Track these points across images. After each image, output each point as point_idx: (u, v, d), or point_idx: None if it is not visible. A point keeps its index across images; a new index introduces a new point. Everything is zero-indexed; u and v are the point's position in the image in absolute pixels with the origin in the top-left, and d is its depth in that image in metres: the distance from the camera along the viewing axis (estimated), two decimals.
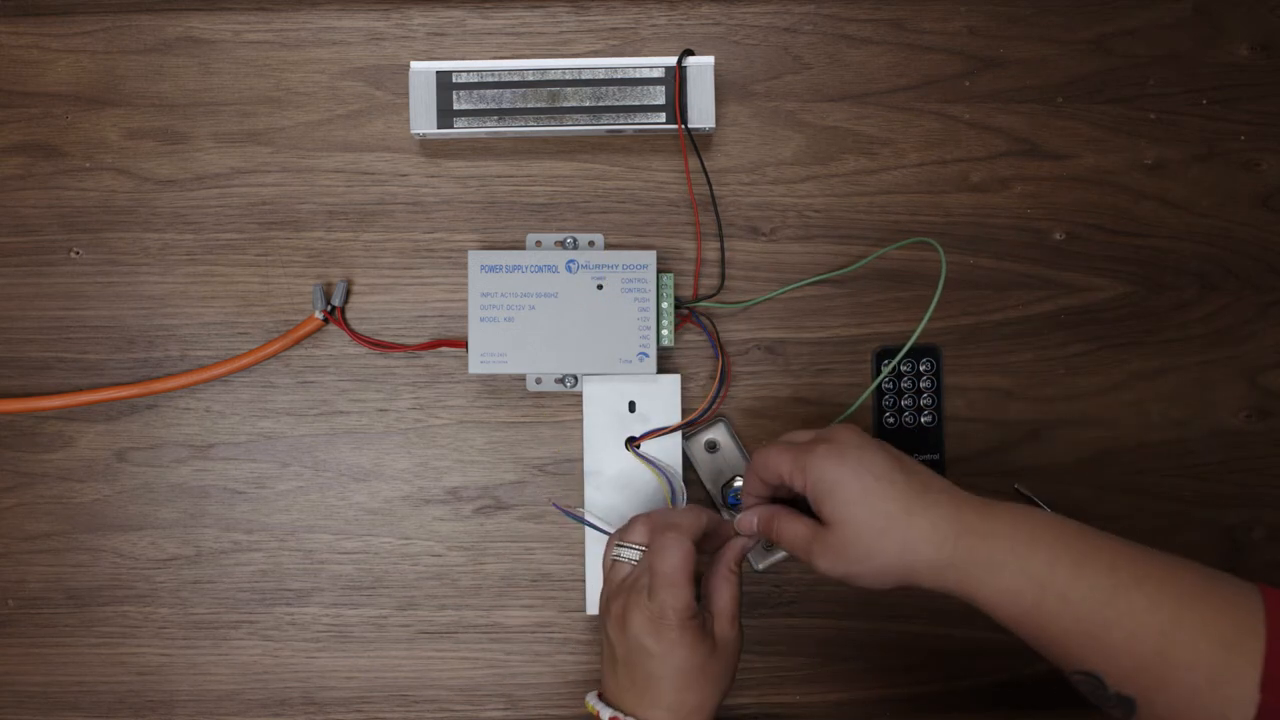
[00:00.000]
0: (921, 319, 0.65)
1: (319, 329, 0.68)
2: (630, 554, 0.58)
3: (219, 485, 0.68)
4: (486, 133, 0.68)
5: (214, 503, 0.68)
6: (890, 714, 0.68)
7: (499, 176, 0.69)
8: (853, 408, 0.65)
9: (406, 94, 0.69)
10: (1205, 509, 0.68)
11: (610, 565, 0.58)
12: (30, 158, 0.69)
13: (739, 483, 0.66)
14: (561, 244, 0.67)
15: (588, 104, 0.67)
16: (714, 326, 0.68)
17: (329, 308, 0.68)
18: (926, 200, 0.69)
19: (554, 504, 0.68)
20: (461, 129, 0.67)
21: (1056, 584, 0.48)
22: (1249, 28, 0.70)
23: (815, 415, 0.68)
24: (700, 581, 0.58)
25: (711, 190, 0.69)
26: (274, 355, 0.68)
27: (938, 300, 0.64)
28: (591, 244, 0.68)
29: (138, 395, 0.68)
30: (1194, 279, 0.69)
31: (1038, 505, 0.68)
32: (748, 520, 0.58)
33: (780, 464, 0.55)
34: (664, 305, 0.66)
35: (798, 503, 0.57)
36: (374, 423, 0.68)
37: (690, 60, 0.67)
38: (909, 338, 0.68)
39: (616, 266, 0.65)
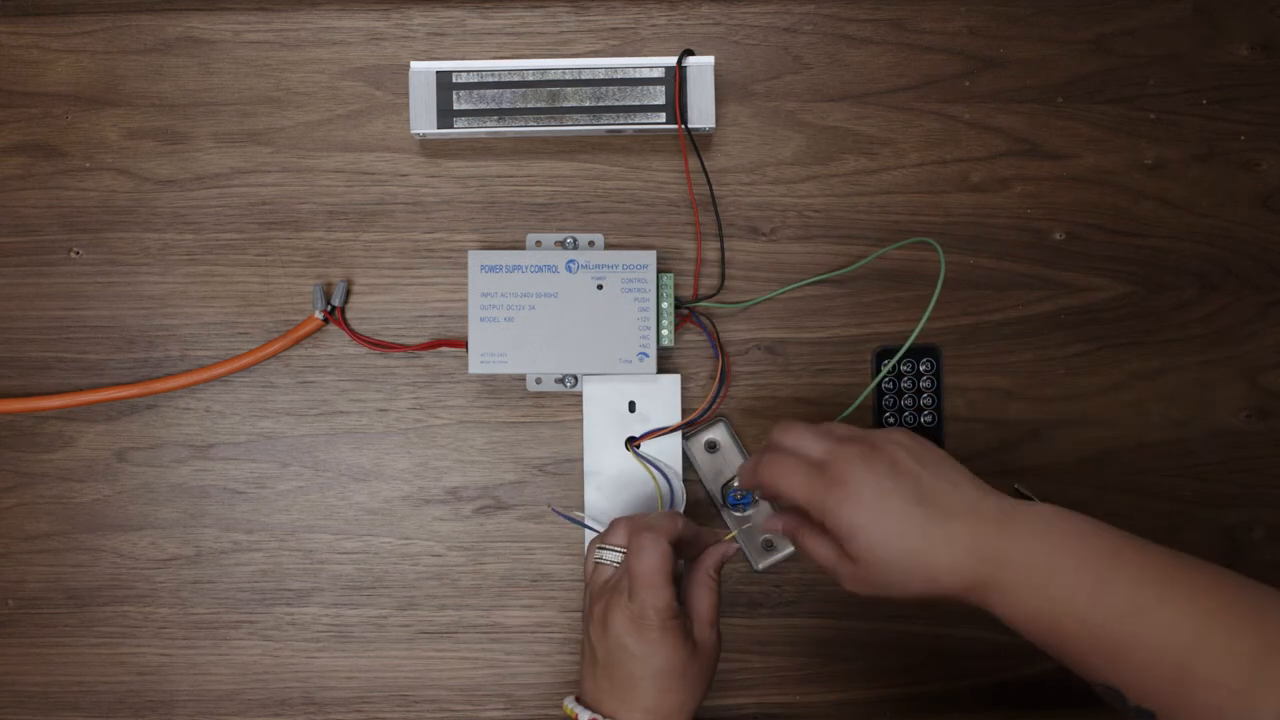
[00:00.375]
0: (921, 318, 0.65)
1: (319, 329, 0.68)
2: (612, 556, 0.58)
3: (219, 485, 0.68)
4: (486, 133, 0.68)
5: (214, 503, 0.68)
6: (890, 714, 0.68)
7: (499, 176, 0.69)
8: (851, 408, 0.65)
9: (406, 94, 0.69)
10: (1205, 509, 0.68)
11: (593, 568, 0.59)
12: (30, 158, 0.69)
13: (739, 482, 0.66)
14: (561, 244, 0.67)
15: (588, 104, 0.67)
16: (714, 326, 0.68)
17: (329, 308, 0.68)
18: (926, 200, 0.69)
19: (552, 509, 0.68)
20: (461, 129, 0.67)
21: (1076, 608, 0.48)
22: (1249, 28, 0.70)
23: (815, 415, 0.68)
24: (680, 586, 0.58)
25: (711, 190, 0.69)
26: (274, 355, 0.68)
27: (936, 300, 0.64)
28: (591, 244, 0.68)
29: (138, 395, 0.68)
30: (1194, 279, 0.69)
31: None
32: (773, 523, 0.58)
33: (794, 490, 0.53)
34: (664, 305, 0.67)
35: None
36: (374, 423, 0.68)
37: (690, 60, 0.67)
38: (909, 337, 0.68)
39: (616, 266, 0.65)
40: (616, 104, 0.67)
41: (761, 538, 0.67)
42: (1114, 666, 0.48)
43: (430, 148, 0.69)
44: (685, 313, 0.68)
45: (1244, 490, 0.68)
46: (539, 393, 0.68)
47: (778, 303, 0.69)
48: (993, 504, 0.51)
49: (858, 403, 0.66)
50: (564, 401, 0.68)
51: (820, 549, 0.54)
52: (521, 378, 0.68)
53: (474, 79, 0.67)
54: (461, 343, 0.68)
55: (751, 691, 0.68)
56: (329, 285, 0.69)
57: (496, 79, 0.67)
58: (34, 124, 0.70)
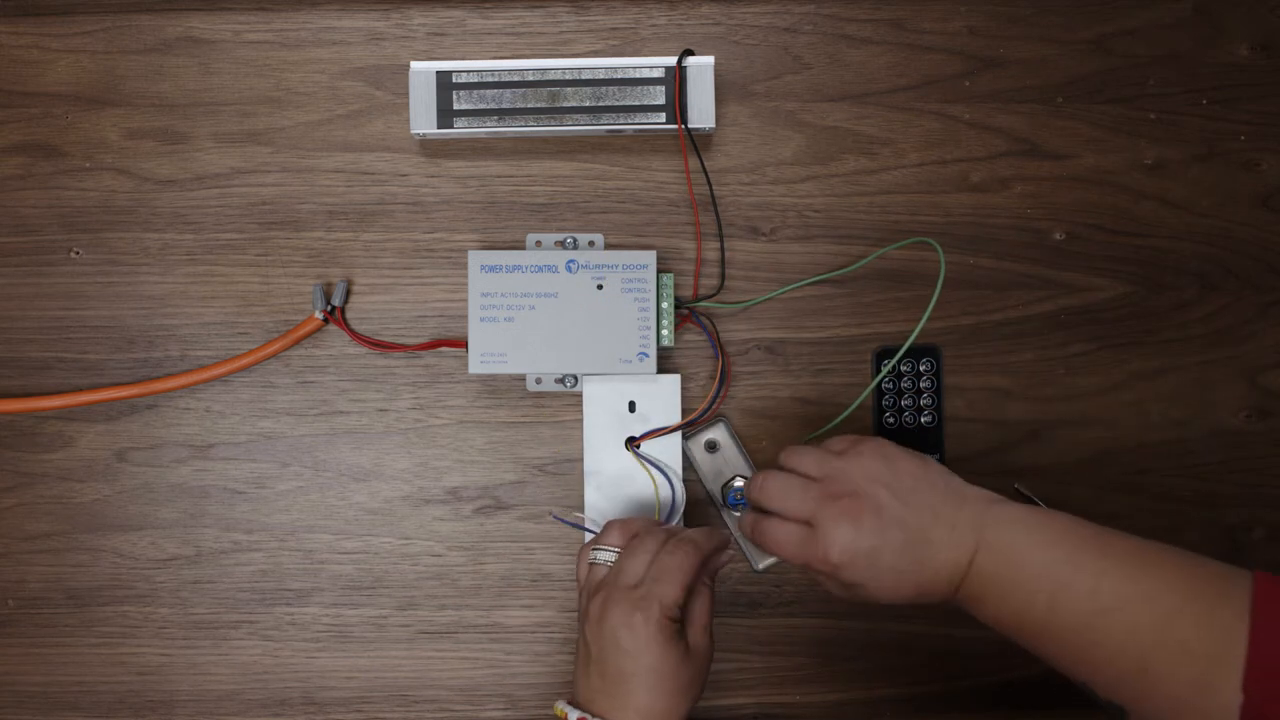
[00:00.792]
0: (921, 319, 0.65)
1: (319, 329, 0.68)
2: (607, 556, 0.58)
3: (219, 485, 0.68)
4: (486, 133, 0.68)
5: (214, 503, 0.68)
6: (890, 714, 0.68)
7: (499, 176, 0.69)
8: (851, 408, 0.65)
9: (406, 94, 0.69)
10: (1205, 509, 0.68)
11: (587, 569, 0.59)
12: (30, 158, 0.69)
13: (739, 482, 0.66)
14: (561, 244, 0.67)
15: (588, 104, 0.67)
16: (714, 326, 0.68)
17: (329, 308, 0.68)
18: (926, 200, 0.69)
19: (553, 515, 0.68)
20: (461, 129, 0.67)
21: (1035, 615, 0.52)
22: (1249, 28, 0.70)
23: (815, 415, 0.68)
24: None
25: (711, 190, 0.69)
26: (274, 355, 0.68)
27: (936, 299, 0.64)
28: (591, 244, 0.68)
29: (138, 395, 0.68)
30: (1194, 279, 0.69)
31: (1038, 505, 0.68)
32: (742, 522, 0.60)
33: (785, 553, 0.56)
34: (664, 305, 0.67)
35: None
36: (374, 423, 0.68)
37: (690, 60, 0.67)
38: (908, 338, 0.68)
39: (616, 266, 0.65)
40: (616, 104, 0.67)
41: None
42: (1079, 665, 0.51)
43: (430, 148, 0.69)
44: (685, 313, 0.68)
45: (1244, 490, 0.68)
46: (539, 393, 0.68)
47: (778, 303, 0.69)
48: (967, 518, 0.54)
49: (856, 403, 0.66)
50: (564, 401, 0.68)
51: (787, 544, 0.56)
52: (521, 378, 0.68)
53: (474, 79, 0.67)
54: (461, 343, 0.68)
55: (751, 691, 0.68)
56: (329, 285, 0.69)
57: (496, 79, 0.67)
58: (34, 124, 0.70)
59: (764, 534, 0.57)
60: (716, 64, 0.67)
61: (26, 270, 0.69)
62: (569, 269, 0.66)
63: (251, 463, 0.68)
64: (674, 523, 0.65)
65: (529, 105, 0.67)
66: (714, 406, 0.68)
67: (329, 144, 0.69)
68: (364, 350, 0.69)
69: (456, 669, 0.68)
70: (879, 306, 0.69)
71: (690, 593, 0.57)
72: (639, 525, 0.59)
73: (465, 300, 0.67)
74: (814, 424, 0.68)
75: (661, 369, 0.68)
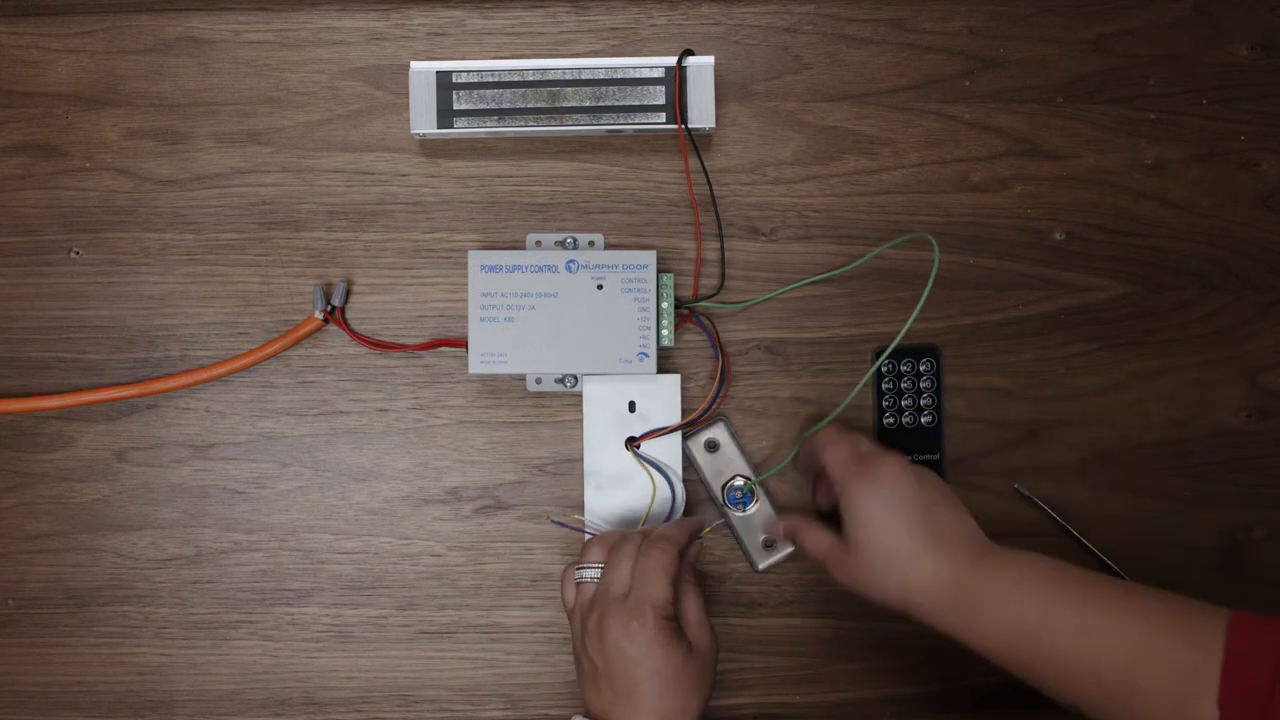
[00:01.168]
0: (912, 314, 0.65)
1: (319, 329, 0.68)
2: (592, 573, 0.59)
3: (219, 485, 0.68)
4: (486, 133, 0.68)
5: (214, 503, 0.68)
6: (890, 714, 0.68)
7: (499, 176, 0.69)
8: (842, 406, 0.64)
9: (406, 94, 0.69)
10: (1205, 509, 0.68)
11: (575, 591, 0.60)
12: (30, 158, 0.69)
13: (739, 481, 0.66)
14: (561, 244, 0.67)
15: (588, 104, 0.67)
16: (714, 326, 0.68)
17: (329, 308, 0.68)
18: (926, 200, 0.69)
19: (552, 519, 0.68)
20: (461, 129, 0.67)
21: (1027, 629, 0.53)
22: (1249, 28, 0.70)
23: (815, 415, 0.68)
24: None
25: (711, 190, 0.69)
26: (274, 355, 0.68)
27: (928, 295, 0.63)
28: (591, 244, 0.68)
29: (138, 395, 0.68)
30: (1194, 279, 0.69)
31: (1038, 505, 0.68)
32: (775, 529, 0.65)
33: (834, 460, 0.60)
34: (664, 305, 0.67)
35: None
36: (374, 423, 0.68)
37: (690, 60, 0.67)
38: (908, 338, 0.68)
39: (616, 266, 0.65)
40: (616, 104, 0.67)
41: (762, 538, 0.67)
42: (1066, 684, 0.52)
43: (430, 148, 0.69)
44: (685, 313, 0.68)
45: (1244, 490, 0.68)
46: (539, 393, 0.68)
47: (778, 303, 0.69)
48: (976, 545, 0.56)
49: (847, 401, 0.65)
50: (564, 401, 0.68)
51: (816, 538, 0.60)
52: (521, 378, 0.68)
53: (474, 79, 0.67)
54: (461, 343, 0.68)
55: (751, 691, 0.68)
56: (329, 285, 0.69)
57: (496, 79, 0.67)
58: (34, 124, 0.70)
59: (824, 436, 0.61)
60: (716, 64, 0.67)
61: (26, 270, 0.69)
62: (569, 269, 0.66)
63: (251, 463, 0.68)
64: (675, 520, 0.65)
65: (529, 105, 0.67)
66: (714, 406, 0.68)
67: (329, 144, 0.69)
68: (364, 350, 0.69)
69: (456, 669, 0.68)
70: (879, 306, 0.69)
71: (678, 592, 0.58)
72: (615, 537, 0.60)
73: (465, 300, 0.67)
74: (814, 424, 0.67)
75: (661, 369, 0.68)
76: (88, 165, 0.69)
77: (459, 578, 0.68)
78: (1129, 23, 0.70)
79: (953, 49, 0.70)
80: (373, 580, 0.68)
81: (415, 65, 0.68)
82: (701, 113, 0.67)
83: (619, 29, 0.70)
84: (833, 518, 0.61)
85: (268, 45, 0.70)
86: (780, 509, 0.67)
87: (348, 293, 0.69)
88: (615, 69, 0.67)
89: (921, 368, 0.68)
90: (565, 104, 0.67)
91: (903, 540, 0.56)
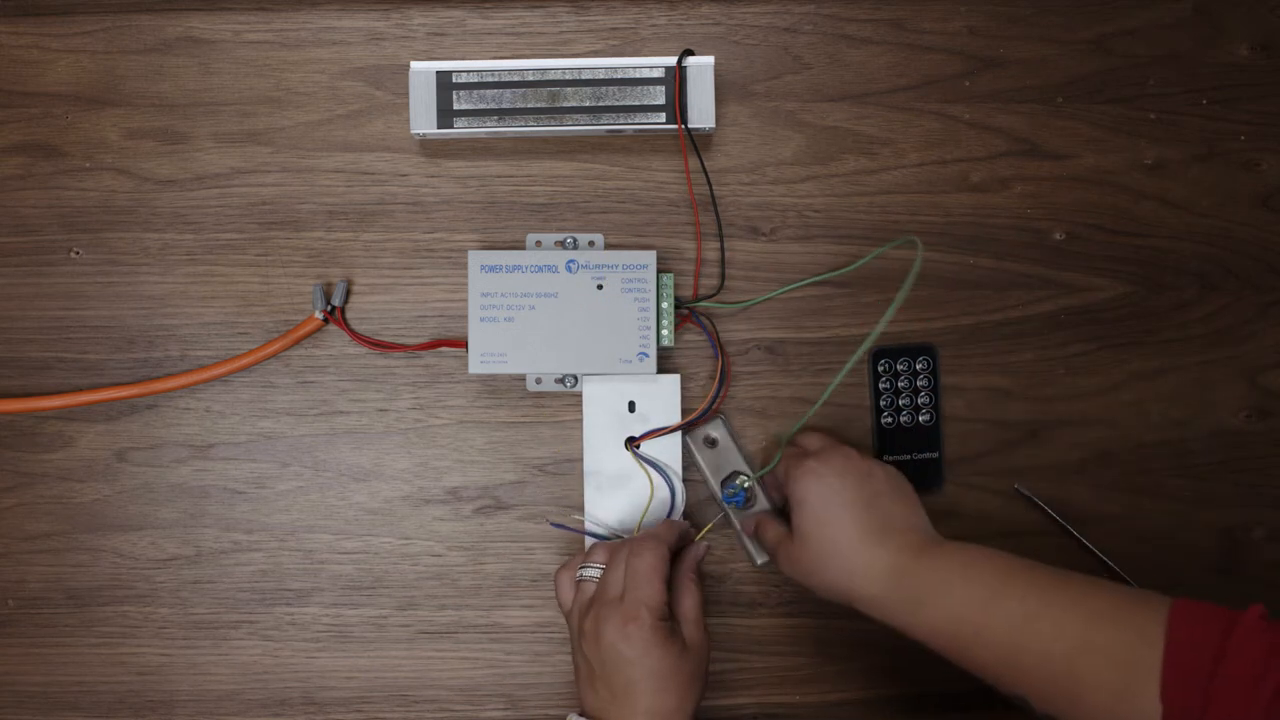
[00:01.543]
0: (888, 311, 0.65)
1: (319, 329, 0.68)
2: (594, 573, 0.59)
3: (219, 485, 0.68)
4: (486, 133, 0.68)
5: (214, 503, 0.68)
6: (890, 714, 0.68)
7: (499, 176, 0.69)
8: (816, 405, 0.63)
9: (406, 94, 0.69)
10: (1205, 509, 0.68)
11: (575, 589, 0.60)
12: (30, 158, 0.69)
13: (740, 479, 0.66)
14: (561, 244, 0.67)
15: (588, 104, 0.67)
16: (714, 326, 0.68)
17: (329, 308, 0.68)
18: (926, 200, 0.69)
19: (551, 523, 0.68)
20: (461, 129, 0.67)
21: (971, 618, 0.54)
22: (1249, 28, 0.70)
23: (815, 415, 0.68)
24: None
25: (711, 190, 0.69)
26: (274, 355, 0.68)
27: (905, 295, 0.62)
28: (591, 244, 0.68)
29: (138, 395, 0.68)
30: (1194, 279, 0.69)
31: (1038, 505, 0.68)
32: (747, 524, 0.66)
33: (784, 458, 0.63)
34: (664, 305, 0.66)
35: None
36: (374, 423, 0.68)
37: (690, 60, 0.67)
38: (906, 338, 0.68)
39: (616, 266, 0.65)
40: (616, 104, 0.67)
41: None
42: (1012, 672, 0.53)
43: (430, 148, 0.69)
44: (685, 313, 0.68)
45: (1244, 490, 0.68)
46: (539, 393, 0.68)
47: (778, 303, 0.69)
48: (921, 537, 0.58)
49: (821, 400, 0.64)
50: (564, 401, 0.68)
51: (770, 531, 0.62)
52: (521, 378, 0.68)
53: (474, 79, 0.67)
54: (461, 343, 0.68)
55: (751, 691, 0.68)
56: (329, 285, 0.69)
57: (496, 79, 0.67)
58: (34, 124, 0.70)
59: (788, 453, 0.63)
60: (716, 64, 0.67)
61: (26, 270, 0.69)
62: (569, 269, 0.66)
63: (251, 463, 0.68)
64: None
65: (529, 105, 0.67)
66: (714, 406, 0.68)
67: (329, 144, 0.69)
68: (364, 350, 0.69)
69: (456, 669, 0.68)
70: (879, 306, 0.69)
71: (676, 590, 0.58)
72: (648, 532, 0.60)
73: (465, 300, 0.67)
74: (814, 425, 0.67)
75: (661, 369, 0.68)
76: (88, 165, 0.69)
77: (459, 578, 0.68)
78: (1129, 23, 0.70)
79: (953, 49, 0.70)
80: (373, 580, 0.68)
81: (415, 65, 0.68)
82: (701, 113, 0.67)
83: (619, 29, 0.70)
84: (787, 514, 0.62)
85: (268, 45, 0.70)
86: (777, 507, 0.67)
87: (348, 293, 0.69)
88: (615, 69, 0.67)
89: (918, 367, 0.68)
90: (565, 104, 0.67)
91: (845, 529, 0.57)
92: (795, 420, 0.68)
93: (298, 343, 0.68)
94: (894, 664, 0.68)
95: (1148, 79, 0.70)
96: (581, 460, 0.67)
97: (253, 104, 0.70)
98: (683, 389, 0.67)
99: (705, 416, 0.67)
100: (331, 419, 0.68)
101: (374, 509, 0.68)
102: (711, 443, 0.67)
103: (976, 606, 0.54)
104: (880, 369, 0.68)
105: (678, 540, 0.61)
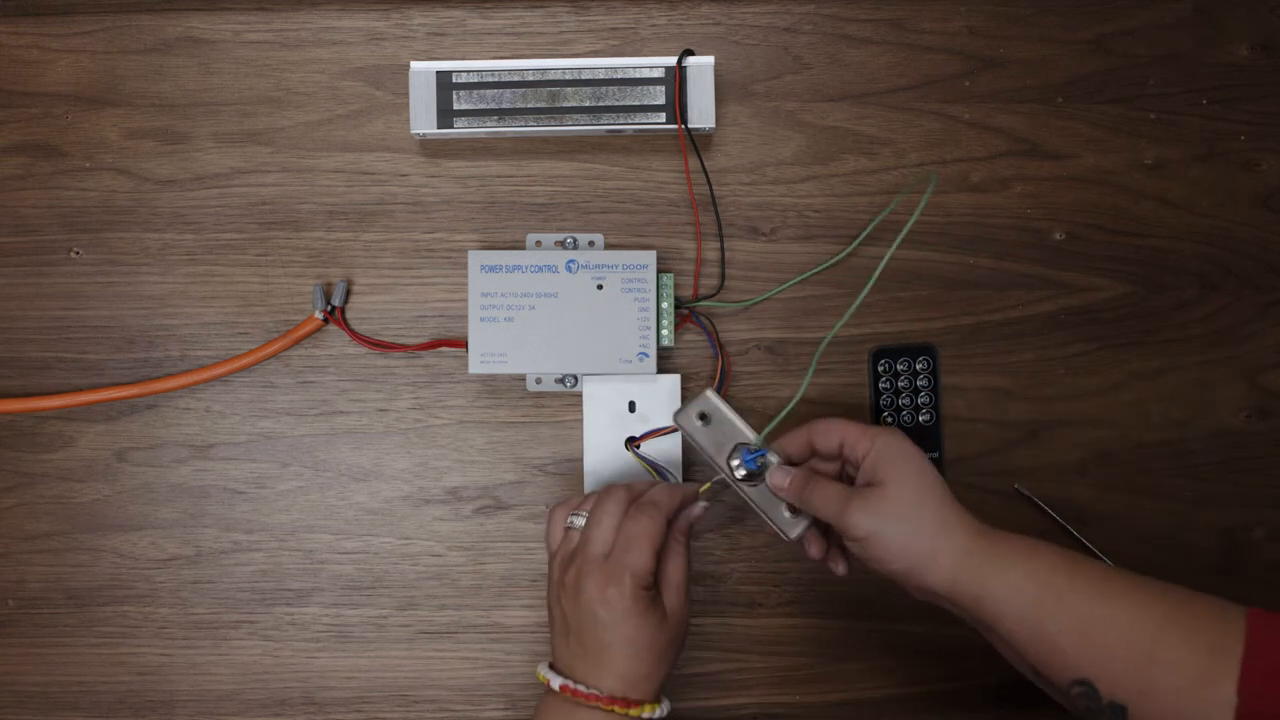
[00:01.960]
0: (863, 287, 0.65)
1: (319, 329, 0.68)
2: (584, 522, 0.58)
3: (219, 485, 0.68)
4: (486, 133, 0.68)
5: (214, 503, 0.68)
6: (890, 714, 0.68)
7: (499, 176, 0.69)
8: (794, 401, 0.61)
9: (406, 94, 0.69)
10: (1205, 509, 0.68)
11: (561, 534, 0.59)
12: (30, 158, 0.69)
13: (748, 452, 0.60)
14: (561, 244, 0.67)
15: (588, 104, 0.67)
16: (714, 326, 0.68)
17: (329, 308, 0.68)
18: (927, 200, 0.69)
19: (549, 509, 0.68)
20: (461, 129, 0.67)
21: (1055, 584, 0.52)
22: (1249, 28, 0.70)
23: (815, 415, 0.68)
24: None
25: (711, 190, 0.69)
26: (274, 355, 0.68)
27: (912, 223, 0.61)
28: (591, 244, 0.68)
29: (138, 395, 0.68)
30: (1194, 279, 0.69)
31: (1038, 505, 0.68)
32: (780, 478, 0.59)
33: (846, 431, 0.58)
34: (664, 305, 0.67)
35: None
36: (374, 423, 0.68)
37: (690, 60, 0.67)
38: (906, 338, 0.68)
39: (616, 266, 0.65)
40: (616, 104, 0.67)
41: (784, 505, 0.60)
42: (1087, 650, 0.51)
43: (430, 148, 0.69)
44: (685, 313, 0.68)
45: (1244, 490, 0.68)
46: (539, 393, 0.68)
47: (777, 302, 0.69)
48: (978, 521, 0.56)
49: (799, 395, 0.64)
50: (564, 401, 0.68)
51: (829, 487, 0.57)
52: (521, 378, 0.68)
53: (474, 79, 0.67)
54: (461, 343, 0.68)
55: (751, 691, 0.68)
56: (329, 285, 0.69)
57: (496, 79, 0.67)
58: (34, 124, 0.70)
59: (826, 421, 0.59)
60: (716, 64, 0.67)
61: (26, 270, 0.69)
62: (569, 269, 0.66)
63: (251, 463, 0.68)
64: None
65: (529, 105, 0.67)
66: None
67: (329, 144, 0.69)
68: (364, 350, 0.69)
69: (456, 669, 0.68)
70: (878, 306, 0.69)
71: (664, 553, 0.57)
72: (647, 497, 0.58)
73: (465, 300, 0.67)
74: (794, 424, 0.66)
75: (661, 369, 0.68)
76: (88, 165, 0.69)
77: (459, 578, 0.68)
78: (1129, 23, 0.70)
79: (953, 49, 0.70)
80: (373, 580, 0.68)
81: (415, 65, 0.68)
82: (701, 113, 0.67)
83: (619, 29, 0.70)
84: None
85: (268, 45, 0.70)
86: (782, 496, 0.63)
87: (348, 293, 0.69)
88: (615, 69, 0.67)
89: (919, 366, 0.68)
90: (565, 104, 0.67)
91: (938, 485, 0.55)
92: (796, 420, 0.68)
93: (298, 343, 0.68)
94: (894, 664, 0.68)
95: (1148, 79, 0.70)
96: (581, 460, 0.67)
97: (253, 104, 0.70)
98: (683, 389, 0.67)
99: (694, 397, 0.63)
100: (331, 419, 0.68)
101: (374, 509, 0.68)
102: (705, 418, 0.62)
103: (1060, 576, 0.52)
104: (880, 369, 0.68)
105: (678, 508, 0.59)
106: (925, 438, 0.68)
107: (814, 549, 0.60)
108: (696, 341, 0.69)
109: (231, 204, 0.69)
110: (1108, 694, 0.50)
